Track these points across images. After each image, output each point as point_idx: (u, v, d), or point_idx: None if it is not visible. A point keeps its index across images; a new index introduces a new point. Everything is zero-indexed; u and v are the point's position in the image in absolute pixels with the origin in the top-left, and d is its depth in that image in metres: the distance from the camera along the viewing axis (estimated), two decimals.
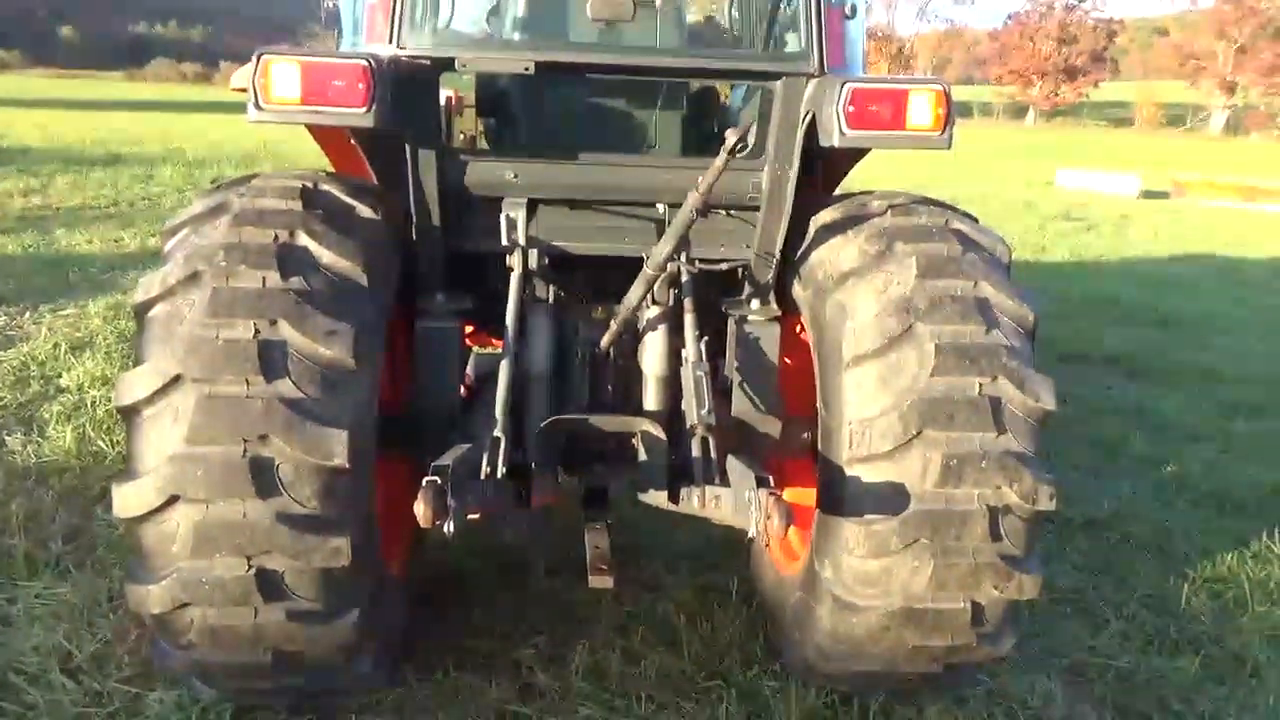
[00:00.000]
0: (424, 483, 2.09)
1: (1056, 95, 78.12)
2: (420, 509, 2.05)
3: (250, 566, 2.17)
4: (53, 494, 3.90)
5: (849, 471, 2.39)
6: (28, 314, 6.58)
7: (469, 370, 3.08)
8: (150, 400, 2.17)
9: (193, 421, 2.13)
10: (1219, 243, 14.52)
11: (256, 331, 2.19)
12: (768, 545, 2.67)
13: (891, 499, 2.32)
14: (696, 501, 2.57)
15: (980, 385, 2.33)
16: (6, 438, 4.46)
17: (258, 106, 2.36)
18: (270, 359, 2.17)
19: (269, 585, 2.20)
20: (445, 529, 2.11)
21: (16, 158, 15.35)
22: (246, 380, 2.15)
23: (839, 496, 2.43)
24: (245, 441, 2.14)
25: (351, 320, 2.29)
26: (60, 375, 5.33)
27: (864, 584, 2.42)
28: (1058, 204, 18.07)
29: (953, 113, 2.53)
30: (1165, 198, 21.00)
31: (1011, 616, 2.51)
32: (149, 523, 2.17)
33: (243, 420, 2.14)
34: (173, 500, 2.14)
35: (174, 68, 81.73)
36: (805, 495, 2.94)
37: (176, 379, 2.16)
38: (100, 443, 4.37)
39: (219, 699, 2.66)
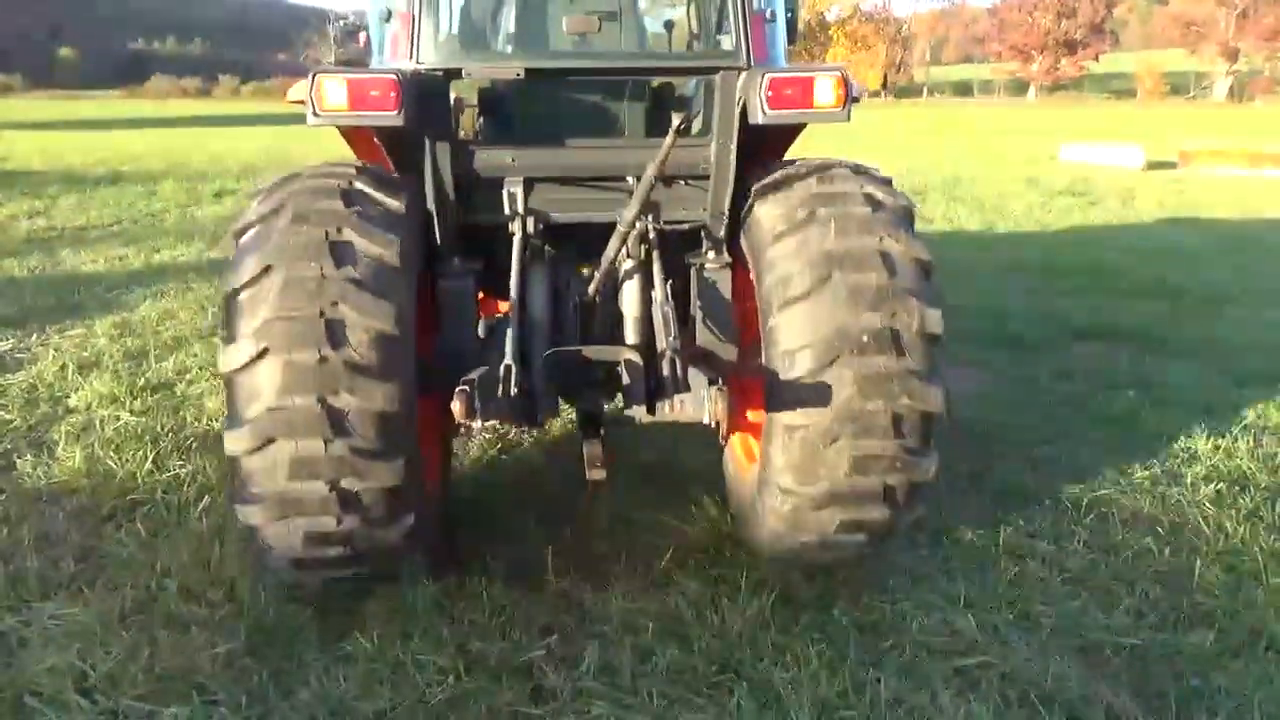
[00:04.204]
0: (457, 390, 2.72)
1: (1057, 70, 77.57)
2: (456, 407, 2.69)
3: (331, 488, 2.79)
4: (63, 514, 3.94)
5: (785, 389, 2.98)
6: (35, 336, 6.63)
7: (481, 327, 3.62)
8: (245, 367, 2.73)
9: (280, 381, 2.71)
10: (1226, 211, 14.40)
11: (321, 312, 2.75)
12: (718, 428, 3.05)
13: (818, 408, 2.93)
14: (668, 408, 3.13)
15: (883, 320, 2.91)
16: (17, 460, 4.49)
17: (314, 113, 2.98)
18: (334, 332, 2.75)
19: (347, 500, 2.83)
20: (474, 425, 2.87)
21: (20, 180, 15.44)
22: (318, 349, 2.72)
23: (778, 409, 3.03)
24: (320, 395, 2.71)
25: (392, 297, 2.83)
26: (69, 396, 5.37)
27: (799, 474, 3.03)
28: (1061, 179, 17.95)
29: (851, 93, 3.12)
30: (1171, 168, 20.82)
31: (914, 495, 3.11)
32: (253, 457, 2.76)
33: (317, 379, 2.72)
34: (269, 441, 2.74)
35: (173, 83, 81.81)
36: (761, 411, 3.36)
37: (265, 351, 2.71)
38: (110, 462, 4.40)
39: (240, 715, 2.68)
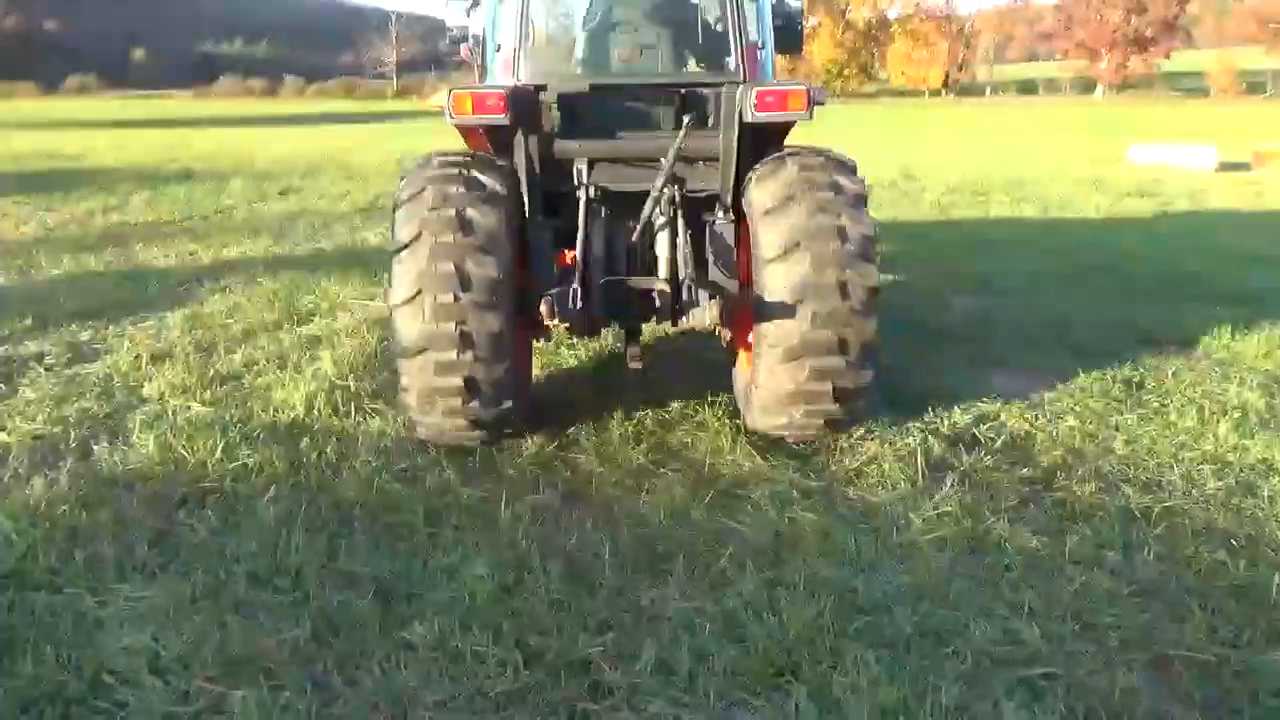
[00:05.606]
0: (543, 299, 4.12)
1: (1126, 68, 75.42)
2: (543, 309, 4.07)
3: (458, 329, 4.15)
4: (138, 500, 4.07)
5: (764, 270, 4.30)
6: (110, 328, 6.86)
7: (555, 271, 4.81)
8: (406, 301, 4.16)
9: (431, 309, 4.13)
10: None
11: (456, 266, 4.12)
12: (719, 334, 4.70)
13: (787, 281, 4.22)
14: (686, 320, 4.48)
15: (830, 220, 4.24)
16: (94, 446, 4.66)
17: (450, 115, 4.37)
18: (464, 280, 4.14)
19: (467, 339, 4.16)
20: (553, 325, 4.18)
21: (96, 177, 16.01)
22: (454, 294, 4.12)
23: (761, 285, 4.32)
24: (456, 319, 4.13)
25: (500, 255, 4.25)
26: (142, 386, 5.55)
27: (778, 333, 4.26)
28: (1130, 181, 17.47)
29: (813, 101, 4.43)
30: (1245, 169, 20.12)
31: (864, 352, 4.30)
32: (405, 307, 4.20)
33: (454, 311, 4.13)
34: (418, 293, 4.16)
35: (241, 84, 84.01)
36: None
37: (419, 293, 4.14)
38: (181, 450, 4.53)
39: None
